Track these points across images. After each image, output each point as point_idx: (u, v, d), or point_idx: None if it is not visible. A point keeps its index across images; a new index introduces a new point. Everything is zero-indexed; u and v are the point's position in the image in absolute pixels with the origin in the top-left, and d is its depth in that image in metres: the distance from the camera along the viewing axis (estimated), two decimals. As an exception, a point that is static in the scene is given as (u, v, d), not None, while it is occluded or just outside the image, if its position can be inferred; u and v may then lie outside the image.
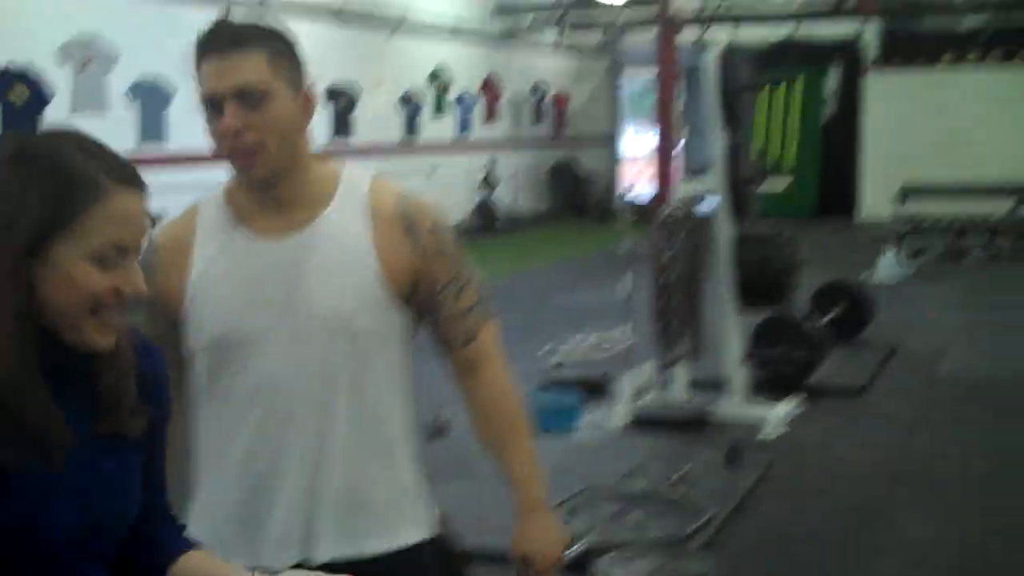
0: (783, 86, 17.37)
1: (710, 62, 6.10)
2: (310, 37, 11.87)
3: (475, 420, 2.03)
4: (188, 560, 1.53)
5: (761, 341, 6.62)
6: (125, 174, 1.36)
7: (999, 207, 13.02)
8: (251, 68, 1.77)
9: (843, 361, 7.19)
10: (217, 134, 1.79)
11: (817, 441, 5.87)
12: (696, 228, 6.11)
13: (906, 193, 13.33)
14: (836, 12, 15.39)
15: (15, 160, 1.32)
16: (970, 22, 17.07)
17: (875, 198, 15.44)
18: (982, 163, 14.74)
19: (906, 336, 8.23)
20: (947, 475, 5.38)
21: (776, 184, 16.22)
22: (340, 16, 12.99)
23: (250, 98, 1.77)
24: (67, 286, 1.31)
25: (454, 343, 1.98)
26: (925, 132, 16.13)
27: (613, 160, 19.88)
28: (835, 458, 5.63)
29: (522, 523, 2.02)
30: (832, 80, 17.58)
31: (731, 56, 6.16)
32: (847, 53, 17.36)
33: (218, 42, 1.79)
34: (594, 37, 18.39)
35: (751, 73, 6.32)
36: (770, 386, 6.47)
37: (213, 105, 1.78)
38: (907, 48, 16.96)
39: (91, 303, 1.33)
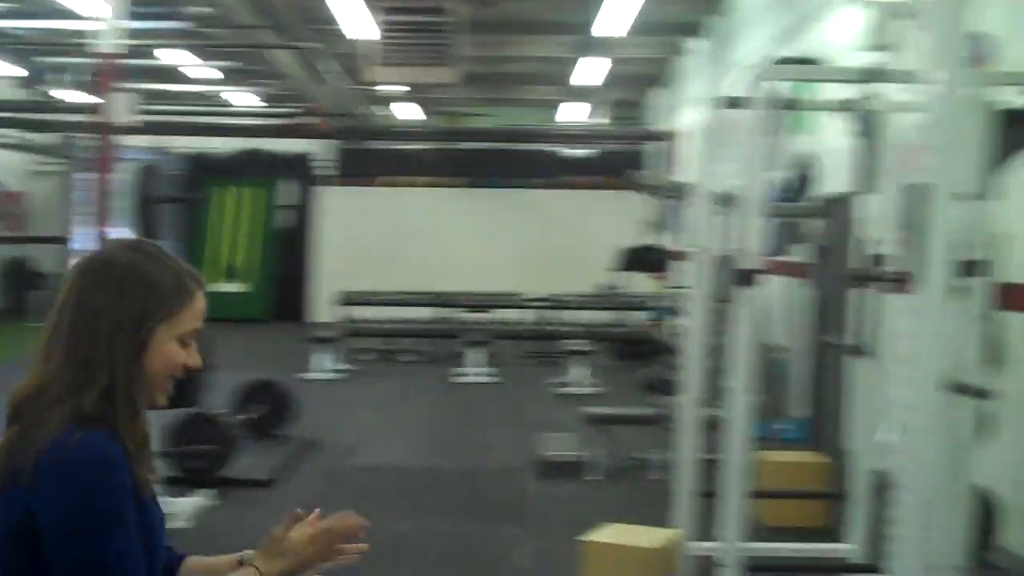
0: (241, 194, 18.02)
1: (128, 175, 6.50)
2: None
3: None
4: (189, 562, 2.06)
5: (177, 438, 6.98)
6: (198, 278, 1.89)
7: (430, 313, 14.38)
8: None
9: (260, 455, 7.71)
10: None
11: (223, 529, 6.30)
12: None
13: (347, 299, 14.28)
14: (290, 132, 16.32)
15: (127, 264, 1.81)
16: (415, 147, 18.77)
17: (324, 303, 16.32)
18: (418, 274, 16.12)
19: (329, 430, 8.93)
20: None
21: (230, 287, 16.78)
22: None
23: None
24: (162, 360, 1.83)
25: None
26: (371, 244, 17.40)
27: (67, 259, 19.46)
28: (236, 544, 6.06)
29: None
30: (289, 191, 18.48)
31: (149, 169, 6.60)
32: (303, 167, 18.38)
33: None
34: (52, 137, 18.09)
35: (168, 186, 6.77)
36: (185, 480, 6.85)
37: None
38: (358, 166, 18.27)
39: (173, 372, 1.85)
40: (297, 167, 18.33)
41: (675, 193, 9.68)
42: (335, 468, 7.94)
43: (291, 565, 1.93)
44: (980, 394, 4.39)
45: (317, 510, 2.00)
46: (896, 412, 2.95)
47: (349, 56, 13.40)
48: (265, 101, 18.72)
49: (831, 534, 5.90)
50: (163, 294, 1.82)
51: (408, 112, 19.30)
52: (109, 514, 1.71)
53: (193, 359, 1.88)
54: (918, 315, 2.76)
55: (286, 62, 13.56)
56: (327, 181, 18.28)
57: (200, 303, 1.88)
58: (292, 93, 16.74)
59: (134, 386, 1.79)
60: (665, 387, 8.25)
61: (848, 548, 5.50)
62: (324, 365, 11.95)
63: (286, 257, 18.12)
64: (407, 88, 15.82)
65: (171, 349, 1.83)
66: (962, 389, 4.38)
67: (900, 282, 2.84)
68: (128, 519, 1.74)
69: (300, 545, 1.93)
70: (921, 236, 2.73)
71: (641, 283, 14.60)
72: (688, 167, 13.75)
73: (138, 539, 1.76)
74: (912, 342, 2.78)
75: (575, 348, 11.57)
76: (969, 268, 4.48)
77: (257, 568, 1.92)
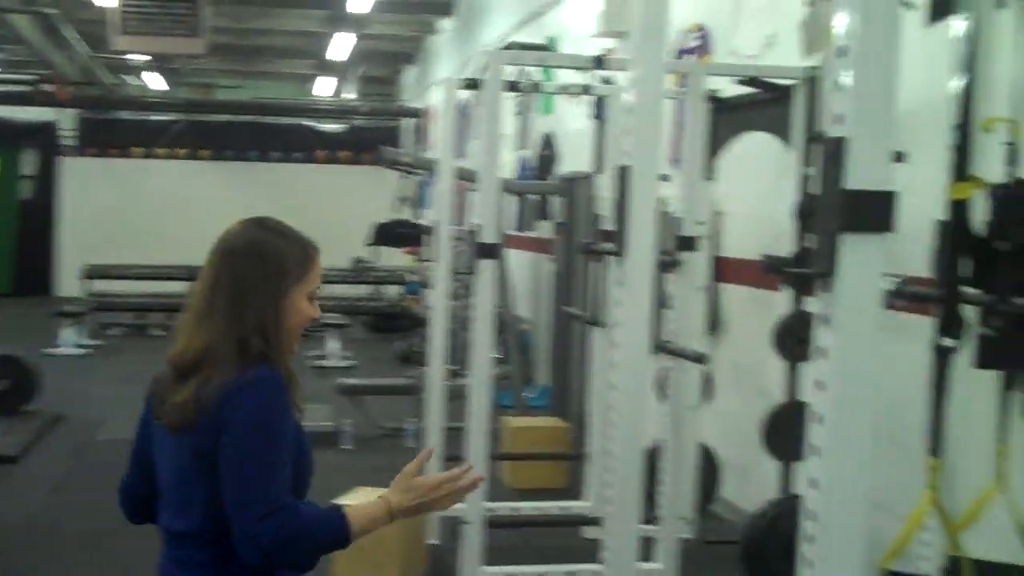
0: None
1: None
2: None
3: None
4: None
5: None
6: (315, 245, 2.21)
7: (178, 287, 14.10)
8: None
9: (4, 431, 7.52)
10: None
11: (-36, 507, 6.15)
12: None
13: (94, 272, 13.87)
14: (30, 100, 15.64)
15: (264, 242, 2.14)
16: (164, 118, 18.29)
17: (69, 277, 15.79)
18: (171, 247, 15.76)
19: (74, 406, 8.75)
20: (83, 530, 5.92)
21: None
22: None
23: None
24: (298, 314, 2.16)
25: None
26: (119, 216, 16.92)
27: None
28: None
29: None
30: (32, 161, 17.76)
31: None
32: (48, 136, 17.68)
33: None
34: None
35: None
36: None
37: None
38: (102, 136, 17.70)
39: (304, 324, 2.18)
40: (40, 136, 17.63)
41: (426, 170, 9.91)
42: (81, 443, 7.81)
43: (414, 502, 2.15)
44: (697, 359, 4.81)
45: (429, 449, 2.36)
46: (613, 375, 3.24)
47: (93, 22, 12.97)
48: (1, 67, 17.83)
49: (572, 493, 6.28)
50: (293, 262, 2.15)
51: (157, 82, 18.78)
52: (274, 431, 2.06)
53: (317, 312, 2.21)
54: (623, 285, 3.04)
55: (24, 26, 13.00)
56: (71, 151, 17.65)
57: (319, 265, 2.20)
58: (31, 59, 16.03)
59: (280, 337, 2.13)
60: (418, 358, 8.50)
61: (585, 505, 5.87)
62: (70, 340, 11.63)
63: (30, 229, 17.47)
64: (150, 57, 15.42)
65: (304, 305, 2.17)
66: (680, 354, 4.79)
67: (613, 255, 3.13)
68: (288, 437, 2.08)
69: (425, 488, 2.16)
70: (625, 213, 3.01)
71: (395, 258, 14.80)
72: (438, 144, 13.92)
73: (291, 456, 2.08)
74: (621, 310, 3.07)
75: (330, 321, 11.67)
76: (687, 243, 4.89)
77: (386, 498, 2.15)
